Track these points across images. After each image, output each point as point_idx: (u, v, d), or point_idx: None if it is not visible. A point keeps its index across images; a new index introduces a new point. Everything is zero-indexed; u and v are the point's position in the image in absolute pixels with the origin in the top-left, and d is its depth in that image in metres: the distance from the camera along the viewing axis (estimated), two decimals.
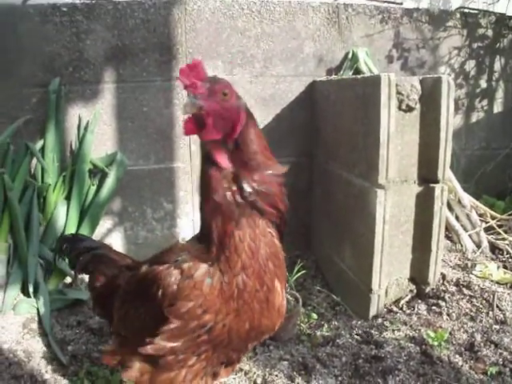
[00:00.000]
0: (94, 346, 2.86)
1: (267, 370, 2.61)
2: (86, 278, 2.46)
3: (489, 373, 2.49)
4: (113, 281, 2.16)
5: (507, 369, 2.52)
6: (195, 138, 3.06)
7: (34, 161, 3.27)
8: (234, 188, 1.54)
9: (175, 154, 3.47)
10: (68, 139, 3.37)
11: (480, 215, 3.64)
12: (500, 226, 3.70)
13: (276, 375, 2.56)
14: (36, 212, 3.12)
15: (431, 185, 2.85)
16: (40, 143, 3.26)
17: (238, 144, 1.54)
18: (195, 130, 1.51)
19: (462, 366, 2.54)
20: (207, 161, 1.56)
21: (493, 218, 3.69)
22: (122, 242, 3.49)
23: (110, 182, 3.26)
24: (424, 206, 2.87)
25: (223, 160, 1.54)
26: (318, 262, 3.66)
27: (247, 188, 1.54)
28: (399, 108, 2.77)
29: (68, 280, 3.28)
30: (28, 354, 2.73)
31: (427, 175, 2.86)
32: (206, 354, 1.70)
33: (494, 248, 3.53)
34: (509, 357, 2.58)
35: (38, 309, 3.02)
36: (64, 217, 3.24)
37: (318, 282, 3.52)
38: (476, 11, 4.16)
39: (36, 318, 3.02)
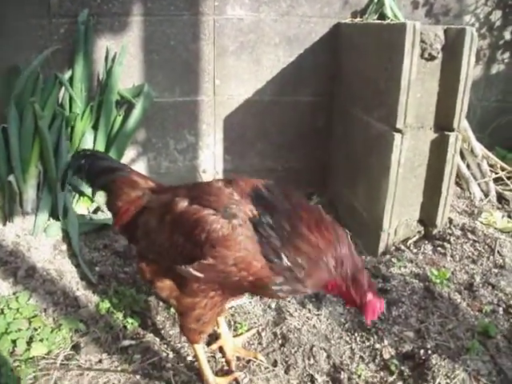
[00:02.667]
0: (119, 268, 3.08)
1: None
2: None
3: (484, 310, 2.70)
4: (136, 201, 2.32)
5: (501, 308, 2.73)
6: (219, 72, 3.16)
7: (63, 91, 3.36)
8: None
9: (200, 88, 3.56)
10: (96, 70, 3.46)
11: (491, 166, 3.76)
12: (509, 178, 3.81)
13: (289, 301, 2.78)
14: (64, 140, 3.24)
15: (446, 133, 2.96)
16: (68, 73, 3.34)
17: None
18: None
19: (460, 303, 2.75)
20: None
21: (503, 169, 3.80)
22: (144, 172, 3.61)
23: (136, 112, 3.36)
24: (438, 152, 3.00)
25: None
26: (332, 200, 3.81)
27: None
28: (421, 56, 2.84)
29: (95, 205, 3.45)
30: (60, 272, 2.95)
31: (443, 123, 2.97)
32: (222, 291, 2.05)
33: (500, 198, 3.67)
34: (503, 298, 2.78)
35: (67, 232, 3.22)
36: (91, 145, 3.37)
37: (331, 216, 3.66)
38: None
39: (65, 241, 3.23)
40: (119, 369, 2.42)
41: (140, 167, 3.61)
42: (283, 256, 1.82)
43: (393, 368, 2.39)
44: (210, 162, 3.72)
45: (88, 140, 3.38)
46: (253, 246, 1.84)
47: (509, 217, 3.45)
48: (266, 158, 3.77)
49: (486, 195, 3.62)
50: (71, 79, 3.31)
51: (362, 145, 3.28)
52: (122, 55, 3.35)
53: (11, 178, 3.12)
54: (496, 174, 3.76)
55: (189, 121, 3.61)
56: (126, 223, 2.34)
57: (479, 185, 3.66)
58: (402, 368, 2.39)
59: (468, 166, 3.72)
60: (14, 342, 2.45)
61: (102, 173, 2.47)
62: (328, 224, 1.91)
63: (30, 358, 2.42)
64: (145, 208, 2.25)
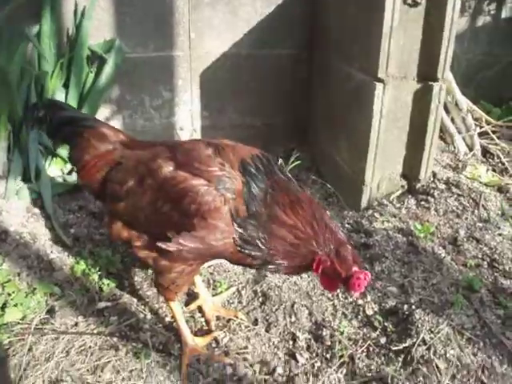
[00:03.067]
0: (95, 229, 2.99)
1: None
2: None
3: (468, 265, 2.67)
4: (106, 155, 2.21)
5: (485, 262, 2.70)
6: (194, 25, 3.02)
7: (30, 48, 3.19)
8: None
9: (174, 42, 3.41)
10: (65, 25, 3.28)
11: (476, 119, 3.69)
12: (494, 132, 3.76)
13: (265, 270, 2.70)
14: (35, 99, 3.10)
15: (430, 83, 2.87)
16: (36, 29, 3.17)
17: None
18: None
19: (444, 257, 2.71)
20: None
21: (488, 123, 3.75)
22: None
23: (108, 68, 3.22)
24: (421, 103, 2.91)
25: None
26: (314, 155, 3.72)
27: None
28: (404, 2, 2.72)
29: (70, 167, 3.33)
30: (33, 236, 2.86)
31: (427, 73, 2.87)
32: (201, 259, 2.05)
33: (485, 152, 3.62)
34: (488, 252, 2.75)
35: (40, 194, 3.11)
36: None
37: (313, 173, 3.62)
38: None
39: (38, 204, 3.12)
40: (95, 331, 2.37)
41: (115, 125, 3.37)
42: (260, 244, 1.86)
43: (376, 324, 2.37)
44: (188, 119, 3.61)
45: (59, 99, 3.23)
46: (229, 228, 1.86)
47: (494, 171, 3.42)
48: (245, 114, 3.66)
49: (471, 149, 3.57)
50: (38, 35, 3.14)
51: (343, 97, 3.18)
52: (91, 9, 3.19)
53: None
54: (481, 127, 3.70)
55: (164, 77, 3.47)
56: (93, 179, 2.22)
57: (464, 139, 3.60)
58: (386, 324, 2.36)
59: (452, 120, 3.64)
60: None
61: (65, 124, 2.32)
62: (305, 203, 1.90)
63: (5, 324, 2.36)
64: (119, 164, 2.13)
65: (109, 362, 2.22)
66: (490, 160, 3.55)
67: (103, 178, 2.17)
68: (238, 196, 1.85)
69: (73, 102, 3.22)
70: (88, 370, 2.19)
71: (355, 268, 1.82)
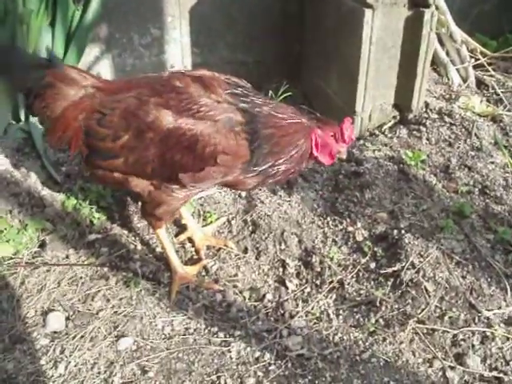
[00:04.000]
0: None
1: None
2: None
3: (459, 191, 2.67)
4: (80, 104, 2.03)
5: (476, 189, 2.70)
6: None
7: None
8: None
9: None
10: None
11: (471, 51, 3.61)
12: (490, 64, 3.68)
13: (260, 189, 2.70)
14: (21, 38, 3.01)
15: (421, 9, 2.80)
16: None
17: None
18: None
19: (435, 184, 2.71)
20: None
21: (484, 55, 3.67)
22: (110, 70, 3.44)
23: (94, 4, 3.11)
24: (412, 31, 2.85)
25: None
26: (307, 91, 3.65)
27: None
28: None
29: None
30: (24, 174, 2.83)
31: None
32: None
33: (480, 83, 3.56)
34: (480, 179, 2.75)
35: (30, 133, 3.08)
36: (50, 43, 3.14)
37: (305, 106, 3.52)
38: None
39: (29, 143, 3.09)
40: (86, 262, 2.40)
41: (104, 65, 3.42)
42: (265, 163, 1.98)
43: (366, 249, 2.39)
44: (178, 57, 3.52)
45: (46, 38, 3.14)
46: (246, 153, 1.94)
47: (488, 101, 3.36)
48: (236, 50, 3.57)
49: (465, 81, 3.50)
50: None
51: (333, 26, 3.11)
52: None
53: None
54: (476, 60, 3.62)
55: (153, 13, 3.36)
56: (68, 135, 2.06)
57: (458, 70, 3.52)
58: (375, 249, 2.39)
59: (447, 53, 3.55)
60: None
61: (21, 70, 2.10)
62: (284, 107, 2.06)
63: None
64: (100, 114, 1.99)
65: (99, 291, 2.26)
66: (485, 91, 3.49)
67: (83, 131, 2.03)
68: (242, 124, 1.92)
69: (60, 40, 3.13)
70: (79, 300, 2.24)
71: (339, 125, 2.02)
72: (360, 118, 2.98)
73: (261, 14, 3.51)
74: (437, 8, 3.20)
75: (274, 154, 1.97)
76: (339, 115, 3.08)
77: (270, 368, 1.97)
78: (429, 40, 2.84)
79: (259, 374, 1.96)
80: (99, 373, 1.96)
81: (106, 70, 3.42)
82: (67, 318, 2.16)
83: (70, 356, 2.01)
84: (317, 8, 3.37)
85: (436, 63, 3.50)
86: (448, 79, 3.47)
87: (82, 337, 2.07)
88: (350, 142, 2.05)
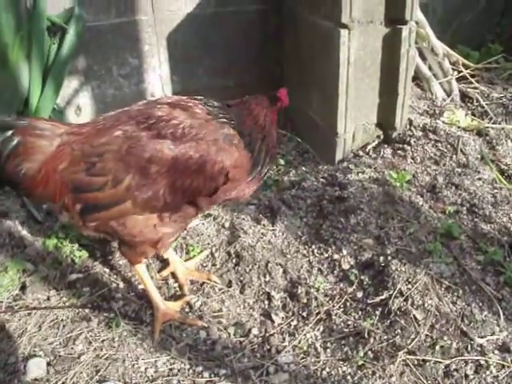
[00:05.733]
0: None
1: (235, 214, 2.74)
2: None
3: (447, 211, 2.61)
4: (57, 153, 1.95)
5: (464, 208, 2.65)
6: None
7: None
8: None
9: (137, 6, 3.29)
10: None
11: (453, 64, 3.58)
12: (473, 76, 3.65)
13: (243, 218, 2.68)
14: None
15: (398, 26, 2.77)
16: None
17: None
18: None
19: (422, 205, 2.65)
20: None
21: (466, 67, 3.63)
22: (90, 102, 3.44)
23: (69, 37, 3.11)
24: (391, 48, 2.83)
25: None
26: (289, 113, 3.61)
27: None
28: None
29: None
30: (4, 214, 2.80)
31: (395, 16, 2.77)
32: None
33: (464, 96, 3.52)
34: (467, 197, 2.70)
35: None
36: (27, 77, 3.13)
37: (288, 131, 3.56)
38: None
39: None
40: (67, 304, 2.36)
41: (84, 98, 3.42)
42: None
43: (352, 278, 2.34)
44: (158, 85, 3.52)
45: (23, 72, 3.14)
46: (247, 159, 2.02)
47: (473, 115, 3.33)
48: (215, 76, 3.57)
49: (449, 95, 3.46)
50: None
51: (310, 48, 3.10)
52: None
53: None
54: (459, 72, 3.59)
55: (130, 43, 3.37)
56: (51, 187, 1.96)
57: (441, 84, 3.49)
58: (362, 277, 2.33)
59: (429, 67, 3.53)
60: None
61: None
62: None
63: None
64: (87, 163, 1.91)
65: (81, 333, 2.21)
66: (469, 104, 3.47)
67: (69, 186, 1.94)
68: (236, 136, 1.99)
69: (37, 73, 3.12)
70: (60, 343, 2.19)
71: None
72: (343, 139, 2.95)
73: (239, 37, 3.53)
74: (416, 22, 3.18)
75: (267, 148, 2.09)
76: (322, 138, 3.12)
77: None
78: (408, 57, 2.81)
79: None
80: None
81: (85, 101, 3.42)
82: (48, 364, 2.10)
83: None
84: (294, 32, 3.38)
85: (419, 78, 3.48)
86: (432, 94, 3.44)
87: (63, 383, 2.01)
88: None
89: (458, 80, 3.59)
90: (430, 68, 3.53)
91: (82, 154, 1.92)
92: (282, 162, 3.16)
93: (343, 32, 2.65)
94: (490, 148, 3.06)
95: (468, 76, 3.59)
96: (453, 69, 3.55)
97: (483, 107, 3.36)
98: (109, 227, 1.99)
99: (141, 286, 2.38)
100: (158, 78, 3.50)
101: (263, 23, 3.54)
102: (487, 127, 3.16)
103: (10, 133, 1.95)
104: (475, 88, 3.54)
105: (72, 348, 2.15)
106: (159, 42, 3.39)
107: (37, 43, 3.11)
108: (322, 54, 2.93)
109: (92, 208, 1.94)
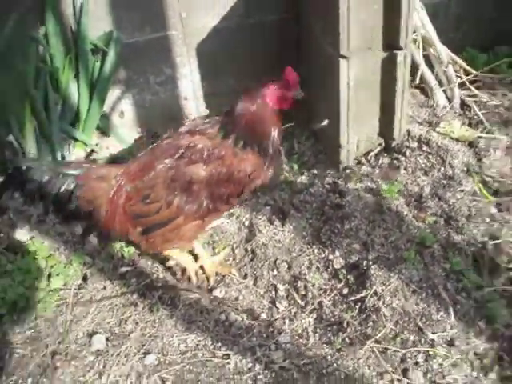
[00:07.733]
0: None
1: (253, 214, 3.22)
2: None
3: (427, 222, 2.93)
4: (116, 192, 2.50)
5: (442, 218, 2.96)
6: (183, 5, 3.49)
7: (41, 48, 3.47)
8: None
9: (168, 23, 3.67)
10: (67, 23, 3.53)
11: (456, 71, 3.63)
12: (475, 82, 3.66)
13: (260, 218, 3.17)
14: (52, 93, 3.48)
15: (394, 51, 3.02)
16: (42, 30, 3.44)
17: None
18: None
19: (406, 215, 2.99)
20: None
21: (467, 73, 3.64)
22: (131, 107, 3.92)
23: (110, 57, 3.55)
24: (389, 70, 3.08)
25: None
26: (308, 111, 3.77)
27: None
28: None
29: (89, 148, 3.78)
30: None
31: (391, 42, 3.01)
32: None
33: (463, 104, 3.57)
34: (446, 208, 2.99)
35: None
36: (76, 93, 3.62)
37: (306, 133, 3.83)
38: None
39: None
40: (119, 292, 2.92)
41: (126, 104, 3.89)
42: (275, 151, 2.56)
43: (341, 277, 2.77)
44: (190, 90, 3.96)
45: (72, 89, 3.61)
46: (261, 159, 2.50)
47: (469, 124, 3.42)
48: (240, 79, 3.89)
49: (451, 102, 3.54)
50: (46, 36, 3.44)
51: (319, 65, 3.33)
52: (85, 5, 3.42)
53: (10, 137, 3.44)
54: (461, 79, 3.61)
55: (163, 55, 3.78)
56: (118, 220, 2.53)
57: (445, 91, 3.56)
58: (349, 277, 2.76)
59: (435, 73, 3.62)
60: (36, 279, 2.93)
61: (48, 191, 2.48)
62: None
63: (51, 290, 2.94)
64: (141, 196, 2.48)
65: (130, 316, 2.78)
66: (468, 112, 3.50)
67: (130, 215, 2.51)
68: (240, 141, 2.46)
69: (84, 90, 3.59)
70: (115, 323, 2.76)
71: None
72: (346, 150, 3.24)
73: (260, 46, 3.85)
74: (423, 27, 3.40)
75: (273, 142, 2.53)
76: (329, 144, 3.43)
77: (259, 377, 2.39)
78: (404, 80, 3.06)
79: (249, 382, 2.38)
80: (131, 383, 2.49)
81: (127, 107, 3.92)
82: (107, 339, 2.66)
83: (110, 369, 2.52)
84: (309, 44, 3.63)
85: (425, 84, 3.60)
86: (434, 101, 3.53)
87: (118, 354, 2.59)
88: (297, 84, 2.50)
89: (461, 86, 3.61)
90: (436, 74, 3.62)
91: (136, 189, 2.49)
92: (295, 166, 3.50)
93: (342, 61, 2.92)
94: (477, 160, 3.19)
95: (467, 83, 3.56)
96: (456, 75, 3.59)
97: (479, 116, 3.41)
98: (165, 237, 2.61)
99: (177, 275, 2.96)
100: (189, 84, 3.94)
101: (283, 31, 3.83)
102: (480, 137, 3.23)
103: (75, 179, 2.48)
104: (474, 96, 3.55)
105: (124, 327, 2.72)
106: (189, 53, 3.80)
107: (83, 64, 3.56)
108: (325, 74, 3.19)
109: (152, 227, 2.56)
